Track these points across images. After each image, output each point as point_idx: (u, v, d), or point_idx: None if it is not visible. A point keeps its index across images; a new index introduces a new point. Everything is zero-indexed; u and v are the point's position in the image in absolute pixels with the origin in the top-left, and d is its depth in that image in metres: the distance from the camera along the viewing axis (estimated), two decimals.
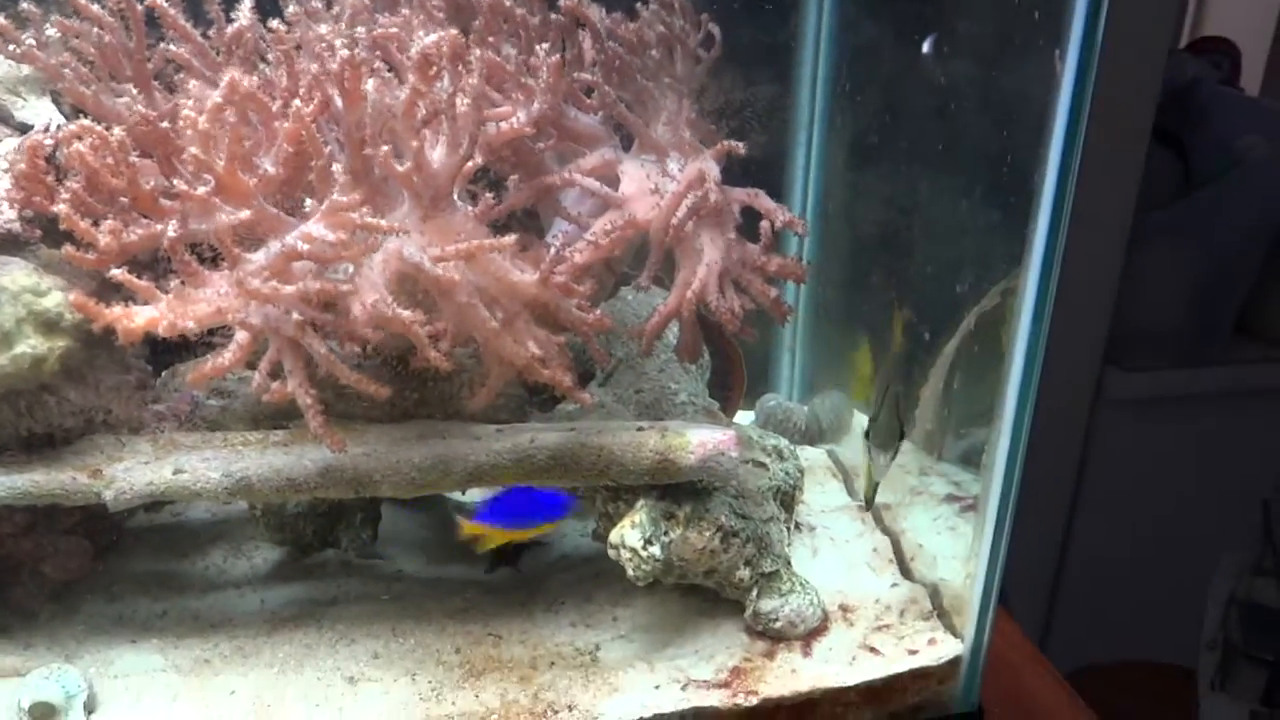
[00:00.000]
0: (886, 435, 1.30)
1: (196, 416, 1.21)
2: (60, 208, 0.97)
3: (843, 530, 1.40)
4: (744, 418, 1.63)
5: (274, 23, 1.07)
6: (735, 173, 1.20)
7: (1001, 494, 1.15)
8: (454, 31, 1.01)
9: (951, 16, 1.46)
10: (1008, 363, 1.15)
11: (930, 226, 1.42)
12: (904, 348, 1.50)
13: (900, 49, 1.49)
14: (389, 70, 1.08)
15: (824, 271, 1.62)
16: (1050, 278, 1.09)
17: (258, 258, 1.00)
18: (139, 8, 1.08)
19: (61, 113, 1.23)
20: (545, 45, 1.12)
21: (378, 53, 1.12)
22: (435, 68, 1.00)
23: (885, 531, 1.40)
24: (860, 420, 1.61)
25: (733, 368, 1.46)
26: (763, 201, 1.15)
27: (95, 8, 1.09)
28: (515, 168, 1.16)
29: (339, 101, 1.00)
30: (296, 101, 0.99)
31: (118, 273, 0.97)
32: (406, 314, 0.98)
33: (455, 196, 1.06)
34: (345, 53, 0.97)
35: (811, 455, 1.57)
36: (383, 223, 0.99)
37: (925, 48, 1.42)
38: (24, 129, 1.19)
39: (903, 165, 1.55)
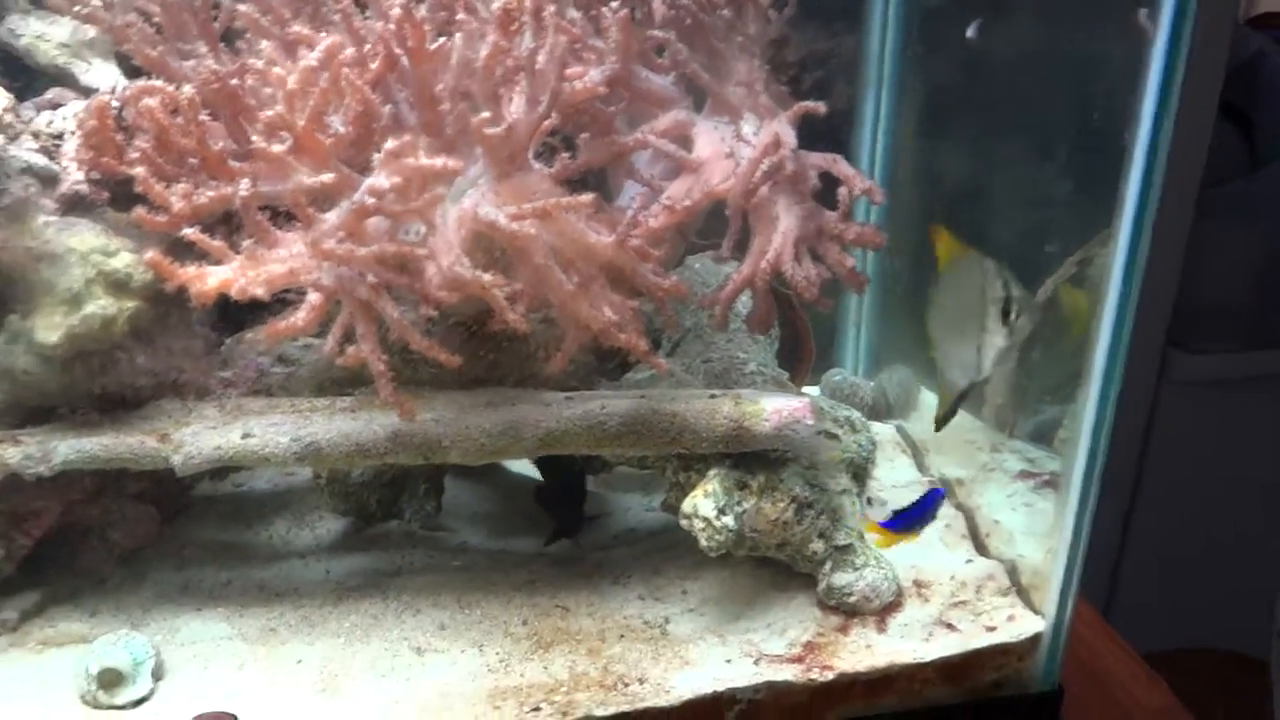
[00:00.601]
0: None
1: (262, 383, 1.20)
2: (136, 170, 0.96)
3: None
4: (810, 391, 1.60)
5: None
6: (803, 135, 1.17)
7: (1086, 469, 1.12)
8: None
9: None
10: (1093, 334, 1.12)
11: (1006, 193, 1.39)
12: None
13: (974, 7, 1.45)
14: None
15: (892, 241, 1.59)
16: (1140, 244, 1.06)
17: (330, 218, 0.98)
18: None
19: (126, 76, 1.21)
20: (614, 3, 1.10)
21: (448, 9, 1.10)
22: (517, 23, 0.98)
23: (958, 507, 1.37)
24: (929, 397, 1.57)
25: (801, 339, 1.43)
26: (841, 167, 1.12)
27: None
28: (586, 129, 1.14)
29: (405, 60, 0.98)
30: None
31: (190, 232, 0.96)
32: (485, 276, 0.96)
33: (530, 156, 1.04)
34: (397, 11, 0.94)
35: (879, 430, 1.53)
36: (438, 163, 0.96)
37: (971, 33, 1.39)
38: (89, 92, 1.18)
39: (976, 130, 1.51)
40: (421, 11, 0.97)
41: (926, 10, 1.52)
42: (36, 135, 1.10)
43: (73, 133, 1.10)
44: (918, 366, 1.61)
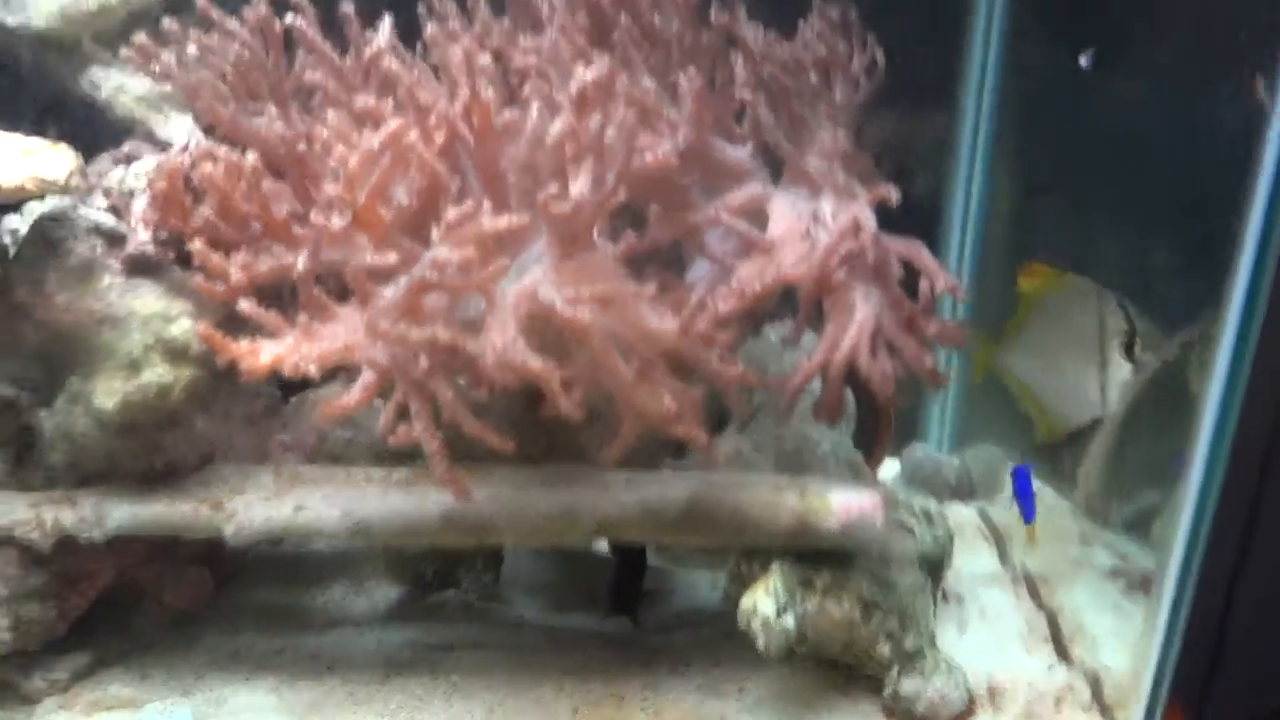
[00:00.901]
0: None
1: (322, 450, 1.18)
2: (194, 244, 0.95)
3: (994, 602, 1.29)
4: (889, 467, 1.54)
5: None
6: (889, 211, 1.12)
7: (1180, 576, 1.04)
8: (608, 64, 0.95)
9: (1136, 41, 1.35)
10: (1198, 423, 1.03)
11: (1104, 274, 1.31)
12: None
13: (1077, 80, 1.38)
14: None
15: (981, 314, 1.52)
16: (1252, 326, 0.98)
17: (388, 293, 0.95)
18: (277, 26, 1.05)
19: (203, 129, 1.21)
20: (690, 70, 1.06)
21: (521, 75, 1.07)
22: (592, 105, 0.94)
23: (1041, 606, 1.29)
24: None
25: (879, 417, 1.36)
26: (923, 258, 1.06)
27: (234, 24, 1.06)
28: (657, 200, 1.09)
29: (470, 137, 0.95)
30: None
31: (246, 305, 0.94)
32: (537, 362, 0.92)
33: (595, 234, 1.00)
34: (466, 93, 0.91)
35: (961, 515, 1.46)
36: (501, 222, 0.92)
37: (1083, 62, 1.31)
38: (166, 145, 1.18)
39: (1071, 204, 1.44)
40: (488, 92, 0.94)
41: (1025, 77, 1.45)
42: (108, 192, 1.10)
43: (143, 191, 1.09)
44: (1006, 443, 1.54)
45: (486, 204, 0.93)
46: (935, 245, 1.24)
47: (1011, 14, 1.46)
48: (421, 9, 1.18)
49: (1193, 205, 1.31)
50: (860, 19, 1.19)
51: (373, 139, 0.90)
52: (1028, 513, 1.27)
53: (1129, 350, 1.30)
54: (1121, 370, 1.31)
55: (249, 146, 1.08)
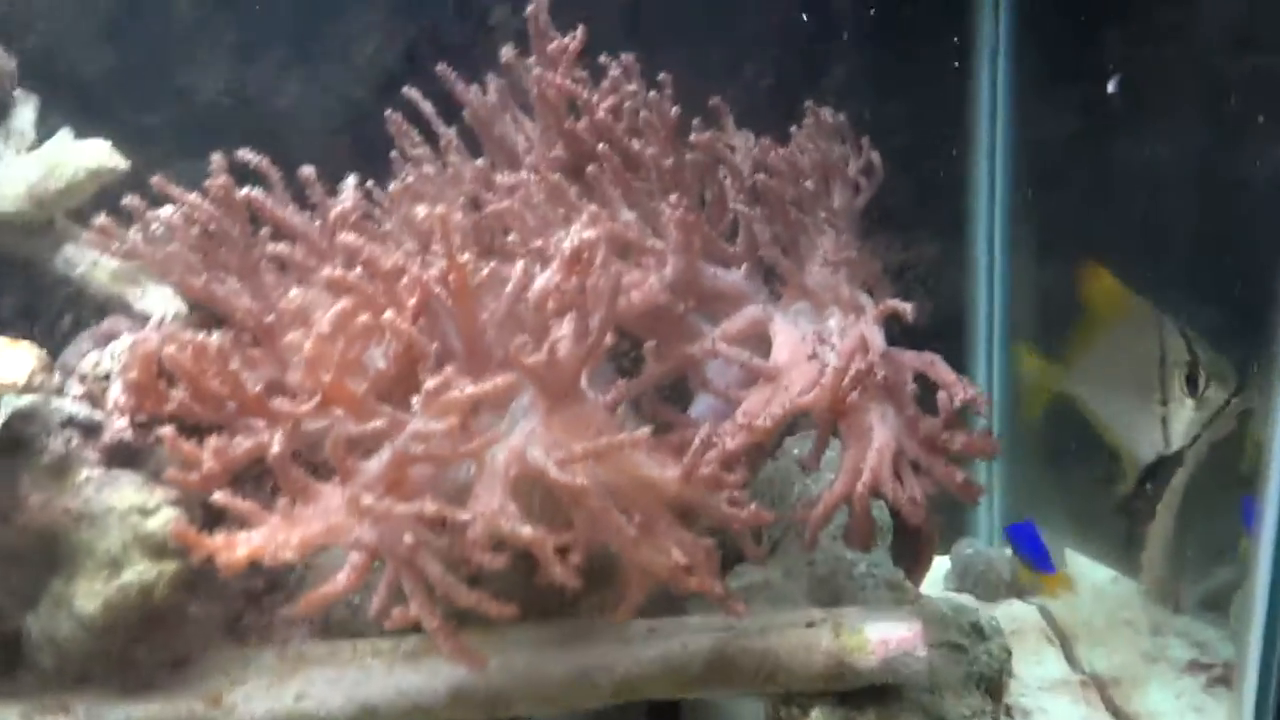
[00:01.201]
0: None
1: (328, 618, 1.12)
2: (165, 431, 0.91)
3: (1063, 713, 1.20)
4: (938, 566, 1.45)
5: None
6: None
7: (1262, 663, 0.94)
8: (597, 223, 0.90)
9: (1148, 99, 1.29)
10: (1262, 497, 0.96)
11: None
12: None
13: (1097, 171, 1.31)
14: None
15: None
16: None
17: (371, 467, 0.90)
18: (239, 195, 1.01)
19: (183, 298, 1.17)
20: (674, 197, 1.00)
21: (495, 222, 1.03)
22: (580, 263, 0.89)
23: (1115, 714, 1.19)
24: (1078, 563, 1.40)
25: (919, 531, 1.28)
26: (939, 370, 0.99)
27: (195, 197, 1.03)
28: (654, 333, 1.03)
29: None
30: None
31: (220, 496, 0.89)
32: (527, 530, 0.86)
33: (585, 383, 0.94)
34: (443, 263, 0.87)
35: (1019, 614, 1.37)
36: (486, 386, 0.87)
37: (1111, 88, 1.25)
38: (143, 319, 1.14)
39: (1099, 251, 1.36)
40: (464, 257, 0.88)
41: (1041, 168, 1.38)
42: (83, 379, 1.05)
43: (119, 375, 1.05)
44: (1061, 528, 1.44)
45: (463, 376, 0.88)
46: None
47: (1016, 83, 1.40)
48: (394, 154, 1.15)
49: (1230, 265, 1.24)
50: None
51: (323, 321, 0.85)
52: (1044, 565, 1.21)
53: (1192, 384, 1.21)
54: (1184, 407, 1.22)
55: (226, 315, 1.05)
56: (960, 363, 1.45)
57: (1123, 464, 1.27)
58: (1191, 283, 1.29)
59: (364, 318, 0.86)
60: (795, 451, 1.24)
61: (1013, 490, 1.49)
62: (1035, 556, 1.22)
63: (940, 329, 1.32)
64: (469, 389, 0.85)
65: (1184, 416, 1.22)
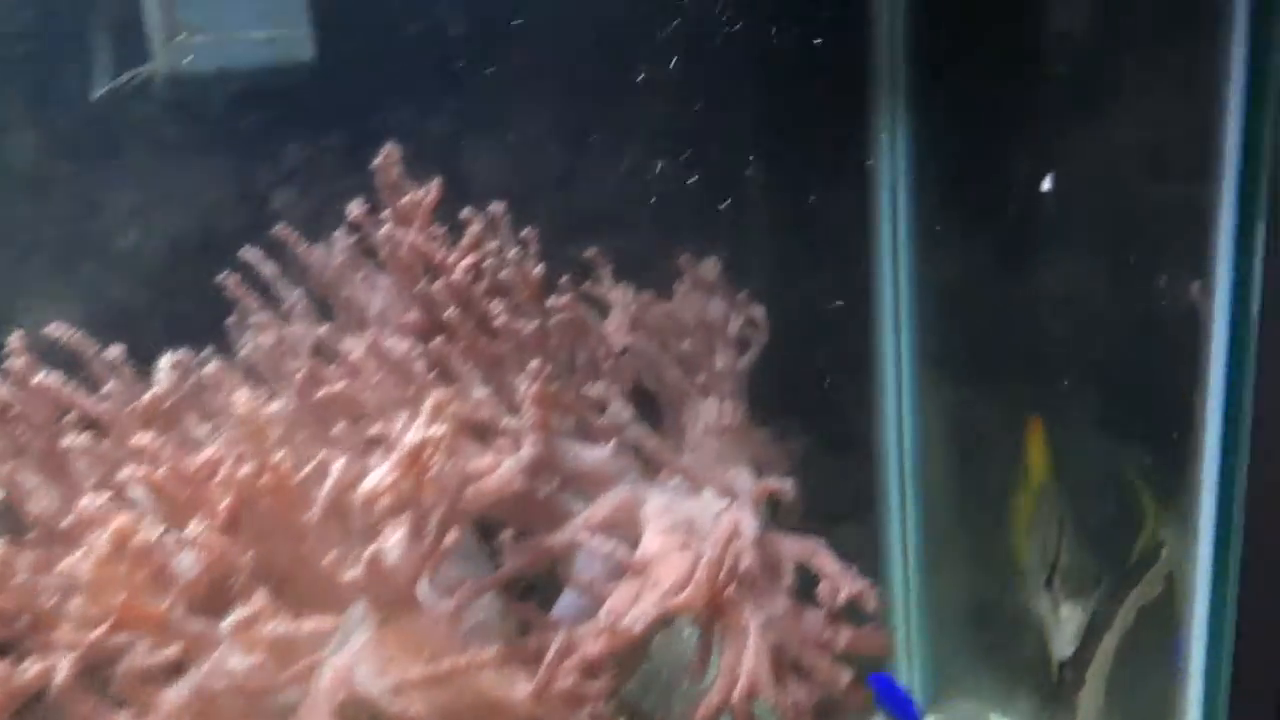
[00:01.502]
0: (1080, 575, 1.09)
1: None
2: None
3: None
4: None
5: None
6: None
7: None
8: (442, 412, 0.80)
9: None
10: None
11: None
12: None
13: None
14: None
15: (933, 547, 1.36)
16: (1230, 553, 0.89)
17: (171, 696, 0.78)
18: (35, 381, 0.90)
19: None
20: (533, 364, 0.91)
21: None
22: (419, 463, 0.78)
23: None
24: None
25: None
26: (821, 560, 0.89)
27: None
28: (518, 518, 0.93)
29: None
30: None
31: None
32: None
33: (424, 588, 0.83)
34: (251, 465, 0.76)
35: None
36: (307, 625, 0.78)
37: (1046, 185, 1.19)
38: None
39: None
40: (278, 455, 0.78)
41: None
42: None
43: None
44: (988, 694, 1.34)
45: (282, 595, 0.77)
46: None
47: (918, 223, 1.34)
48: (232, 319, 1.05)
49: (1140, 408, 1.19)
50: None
51: (103, 538, 0.73)
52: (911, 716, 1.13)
53: (1048, 583, 1.15)
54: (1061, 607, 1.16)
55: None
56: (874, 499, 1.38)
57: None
58: (1101, 418, 1.24)
59: (154, 534, 0.74)
60: (685, 632, 1.14)
61: (933, 649, 1.40)
62: (895, 709, 1.13)
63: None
64: (280, 629, 0.75)
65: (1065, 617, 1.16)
